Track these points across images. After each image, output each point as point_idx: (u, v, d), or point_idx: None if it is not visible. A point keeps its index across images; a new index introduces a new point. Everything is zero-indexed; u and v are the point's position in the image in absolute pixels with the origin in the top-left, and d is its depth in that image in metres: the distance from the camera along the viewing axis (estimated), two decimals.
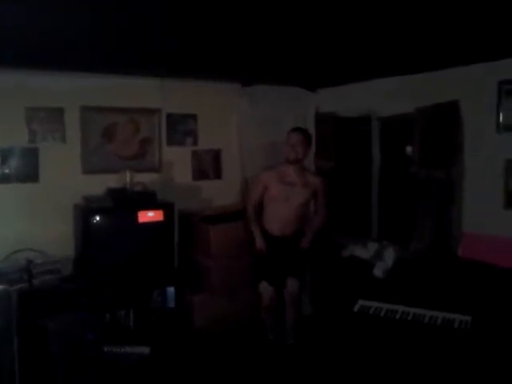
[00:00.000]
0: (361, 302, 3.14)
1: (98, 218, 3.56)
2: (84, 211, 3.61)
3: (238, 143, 4.60)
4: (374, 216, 4.39)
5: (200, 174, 4.52)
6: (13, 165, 3.70)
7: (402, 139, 4.16)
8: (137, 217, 3.70)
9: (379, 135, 4.34)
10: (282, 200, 3.50)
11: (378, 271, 3.47)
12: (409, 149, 4.05)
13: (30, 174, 3.76)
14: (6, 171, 3.68)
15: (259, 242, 3.57)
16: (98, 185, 3.89)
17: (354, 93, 4.39)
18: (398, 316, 2.95)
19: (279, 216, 3.54)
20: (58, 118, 3.86)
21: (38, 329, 3.03)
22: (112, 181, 3.96)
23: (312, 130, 4.70)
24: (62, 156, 3.88)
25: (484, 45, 2.90)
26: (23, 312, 2.97)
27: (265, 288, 3.53)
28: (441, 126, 3.53)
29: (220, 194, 4.52)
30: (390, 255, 3.56)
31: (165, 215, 3.80)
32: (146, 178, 4.04)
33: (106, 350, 3.38)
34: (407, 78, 3.82)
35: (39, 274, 3.41)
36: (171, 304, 3.88)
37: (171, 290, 3.88)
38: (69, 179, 3.89)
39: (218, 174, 4.61)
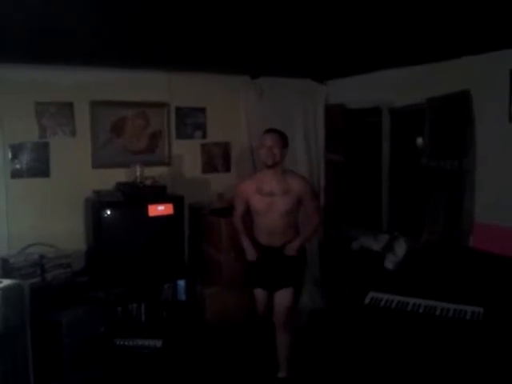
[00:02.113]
0: (371, 294, 3.13)
1: (108, 212, 3.58)
2: (95, 205, 3.64)
3: (247, 136, 4.59)
4: (384, 208, 4.36)
5: (209, 167, 4.53)
6: (24, 160, 3.73)
7: (413, 130, 4.12)
8: (147, 210, 3.71)
9: (390, 126, 4.30)
10: (263, 212, 3.21)
11: (388, 263, 3.46)
12: (419, 140, 4.01)
13: (41, 168, 3.79)
14: (18, 166, 3.71)
15: (249, 253, 3.34)
16: (108, 179, 3.92)
17: (364, 84, 4.35)
18: (409, 308, 2.94)
19: (264, 227, 3.26)
20: (67, 113, 3.88)
21: (51, 322, 3.07)
22: (122, 175, 3.99)
23: (322, 122, 4.70)
24: (73, 150, 3.91)
25: (495, 33, 2.85)
26: (36, 306, 3.01)
27: (258, 293, 3.34)
28: (452, 117, 3.49)
29: (230, 186, 4.51)
30: (400, 247, 3.54)
31: (175, 209, 3.81)
32: (155, 172, 4.06)
33: (117, 342, 3.42)
34: (417, 68, 3.77)
35: (51, 268, 3.45)
36: (182, 297, 3.90)
37: (182, 283, 3.90)
38: (79, 174, 3.92)
39: (227, 167, 4.61)
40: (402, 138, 4.28)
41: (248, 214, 3.36)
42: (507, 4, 2.26)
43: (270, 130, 3.22)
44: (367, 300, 3.10)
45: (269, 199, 3.16)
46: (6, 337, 2.55)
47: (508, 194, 3.25)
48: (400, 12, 2.41)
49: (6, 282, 2.65)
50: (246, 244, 3.36)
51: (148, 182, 3.86)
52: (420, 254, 3.44)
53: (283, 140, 3.19)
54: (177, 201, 3.84)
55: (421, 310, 2.89)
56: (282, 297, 3.22)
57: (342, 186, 4.21)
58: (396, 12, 2.41)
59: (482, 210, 3.43)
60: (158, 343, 3.53)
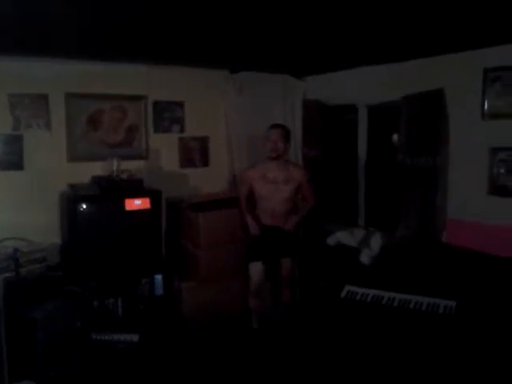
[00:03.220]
0: (347, 288, 3.18)
1: (84, 206, 3.53)
2: (70, 199, 3.58)
3: (225, 130, 4.58)
4: (360, 204, 4.43)
5: (187, 161, 4.51)
6: None
7: (389, 127, 4.19)
8: (124, 205, 3.67)
9: (366, 123, 4.35)
10: (267, 197, 3.67)
11: (364, 258, 3.52)
12: (395, 137, 4.07)
13: (14, 161, 3.71)
14: None
15: (253, 228, 3.71)
16: (84, 172, 3.86)
17: (341, 80, 4.39)
18: (384, 301, 2.99)
19: (268, 210, 3.72)
20: (42, 105, 3.81)
21: (26, 317, 3.01)
22: (98, 168, 3.93)
23: (299, 118, 4.73)
24: (47, 143, 3.84)
25: (470, 32, 2.92)
26: (10, 301, 2.96)
27: (256, 267, 3.70)
28: (426, 114, 3.56)
29: (207, 181, 4.51)
30: (376, 242, 3.61)
31: (152, 203, 3.78)
32: (132, 166, 4.01)
33: (94, 337, 3.39)
34: (394, 65, 3.84)
35: (26, 263, 3.38)
36: (159, 292, 3.88)
37: (159, 277, 3.88)
38: (54, 167, 3.85)
39: (205, 162, 4.60)
40: (378, 134, 4.35)
41: (250, 198, 3.80)
42: (481, 5, 2.32)
43: (275, 126, 3.67)
44: (343, 293, 3.14)
45: (272, 186, 3.62)
46: None
47: (479, 190, 3.35)
48: (378, 10, 2.45)
49: None
50: (250, 220, 3.72)
51: (124, 176, 3.82)
52: (395, 249, 3.51)
53: (286, 134, 3.66)
54: (154, 195, 3.81)
55: (395, 304, 2.95)
56: (286, 262, 3.78)
57: (319, 181, 4.25)
58: (374, 10, 2.44)
59: (455, 207, 3.52)
60: (135, 338, 3.51)
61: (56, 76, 3.78)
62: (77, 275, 3.48)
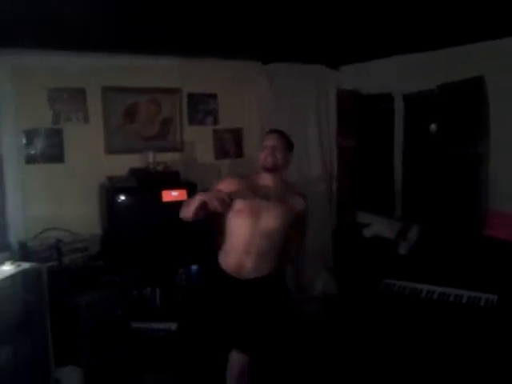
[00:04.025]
0: (385, 281, 3.15)
1: (122, 198, 3.61)
2: (109, 191, 3.66)
3: (258, 121, 4.58)
4: (397, 194, 4.36)
5: (221, 153, 4.53)
6: (38, 145, 3.75)
7: (427, 116, 4.09)
8: (161, 196, 3.73)
9: (403, 112, 4.27)
10: (245, 216, 2.53)
11: (402, 250, 3.47)
12: (433, 126, 3.99)
13: (55, 154, 3.81)
14: (32, 152, 3.74)
15: (210, 196, 2.46)
16: (122, 164, 3.93)
17: (377, 70, 4.32)
18: (423, 294, 2.96)
19: (239, 242, 2.56)
20: (80, 99, 3.89)
21: (69, 305, 3.12)
22: (135, 160, 4.00)
23: (334, 108, 4.68)
24: (86, 136, 3.92)
25: (509, 18, 2.82)
26: (54, 289, 3.05)
27: (232, 357, 2.60)
28: (466, 103, 3.47)
29: (242, 172, 4.51)
30: (414, 234, 3.55)
31: (188, 194, 3.82)
32: (168, 158, 4.06)
33: (133, 325, 3.47)
34: (431, 53, 3.74)
35: (68, 252, 3.49)
36: (196, 282, 3.93)
37: (195, 268, 3.94)
38: (93, 159, 3.93)
39: (239, 153, 4.61)
40: (415, 123, 4.26)
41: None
42: None
43: (274, 131, 2.71)
44: (381, 286, 3.12)
45: (258, 202, 2.53)
46: (27, 320, 2.60)
47: None
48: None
49: (25, 265, 2.68)
50: (203, 194, 2.52)
51: (160, 168, 3.88)
52: (434, 241, 3.45)
53: (288, 143, 2.66)
54: (190, 186, 3.85)
55: (435, 297, 2.92)
56: (238, 357, 2.56)
57: (354, 171, 4.20)
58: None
59: (497, 197, 3.42)
60: (173, 326, 3.57)
61: (93, 70, 3.85)
62: (116, 265, 3.57)
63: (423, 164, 4.11)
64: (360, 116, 4.56)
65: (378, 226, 3.87)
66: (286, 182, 2.71)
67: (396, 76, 4.12)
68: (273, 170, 2.59)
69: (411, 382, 2.87)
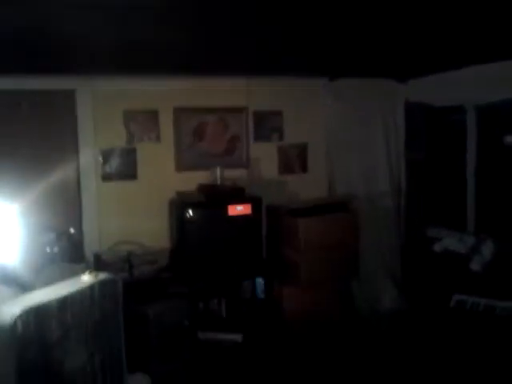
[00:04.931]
0: (457, 297, 3.00)
1: (191, 213, 3.74)
2: (178, 206, 3.82)
3: (323, 137, 4.59)
4: (470, 208, 4.15)
5: (286, 168, 4.57)
6: (114, 164, 4.01)
7: (501, 127, 3.89)
8: (227, 210, 3.83)
9: (476, 123, 4.10)
10: None
11: (475, 265, 3.29)
12: (509, 138, 3.78)
13: (128, 172, 4.05)
14: (108, 170, 4.00)
15: None
16: (190, 181, 4.09)
17: (448, 81, 4.18)
18: (497, 311, 2.78)
19: None
20: (153, 120, 4.12)
21: (138, 315, 3.25)
22: (203, 177, 4.14)
23: (402, 121, 4.59)
24: (157, 155, 4.14)
25: None
26: (125, 298, 3.20)
27: None
28: None
29: (306, 187, 4.53)
30: (488, 249, 3.36)
31: (253, 209, 3.90)
32: (234, 174, 4.17)
33: (200, 336, 3.55)
34: (504, 63, 3.57)
35: (138, 265, 3.66)
36: (261, 295, 3.96)
37: (260, 281, 3.97)
38: (164, 176, 4.13)
39: (304, 168, 4.63)
40: (489, 134, 4.06)
41: None
42: None
43: None
44: (453, 303, 2.98)
45: None
46: (103, 328, 2.73)
47: None
48: (485, 4, 2.30)
49: (102, 275, 2.84)
50: None
51: (227, 184, 3.99)
52: (509, 256, 3.24)
53: None
54: (255, 201, 3.92)
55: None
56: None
57: (423, 185, 4.07)
58: (481, 5, 2.30)
59: None
60: (239, 338, 3.61)
61: (165, 93, 4.07)
62: (184, 277, 3.69)
63: (498, 177, 3.90)
64: (429, 129, 4.42)
65: (449, 241, 3.70)
66: None
67: (468, 87, 3.97)
68: None
69: None
